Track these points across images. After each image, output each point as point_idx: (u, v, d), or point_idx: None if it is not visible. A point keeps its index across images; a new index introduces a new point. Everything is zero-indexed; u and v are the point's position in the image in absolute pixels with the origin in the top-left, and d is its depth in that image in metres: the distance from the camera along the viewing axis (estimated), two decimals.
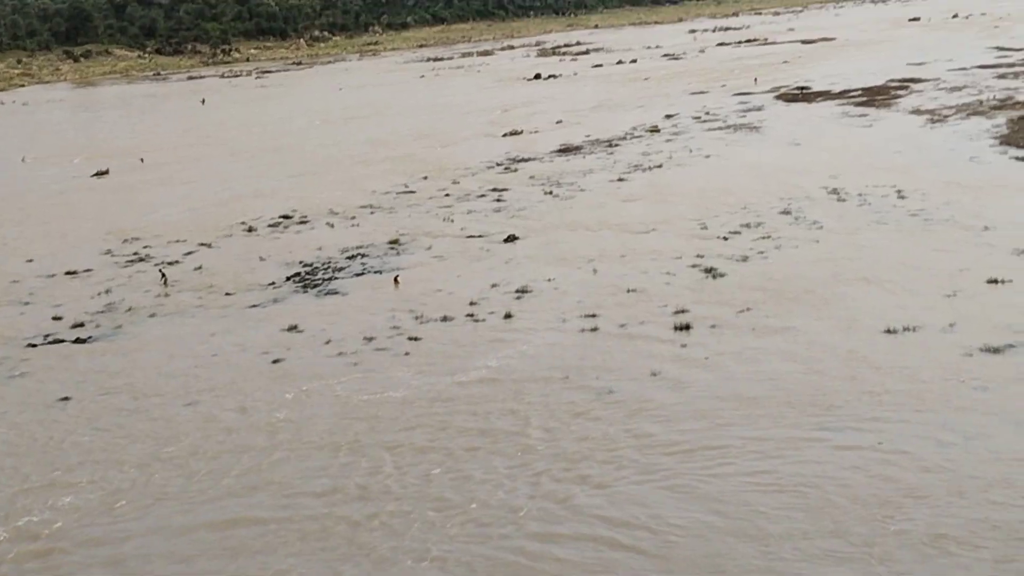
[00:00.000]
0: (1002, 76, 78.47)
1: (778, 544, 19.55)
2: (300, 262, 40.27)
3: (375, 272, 38.34)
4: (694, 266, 35.97)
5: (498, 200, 48.67)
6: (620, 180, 51.17)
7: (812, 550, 19.25)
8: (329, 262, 40.05)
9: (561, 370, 27.97)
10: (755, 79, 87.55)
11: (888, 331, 29.02)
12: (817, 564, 18.83)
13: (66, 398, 28.49)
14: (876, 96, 73.92)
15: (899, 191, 44.23)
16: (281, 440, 24.96)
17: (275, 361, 30.14)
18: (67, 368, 30.82)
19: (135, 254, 43.03)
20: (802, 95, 77.66)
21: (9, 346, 32.88)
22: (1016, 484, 20.79)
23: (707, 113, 71.11)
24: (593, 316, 31.77)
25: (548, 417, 25.24)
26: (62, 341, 33.09)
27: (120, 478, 23.64)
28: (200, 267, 40.29)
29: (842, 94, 75.98)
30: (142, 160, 66.39)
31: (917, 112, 65.14)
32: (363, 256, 40.57)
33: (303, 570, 19.85)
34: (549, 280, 35.59)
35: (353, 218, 46.98)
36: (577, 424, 24.77)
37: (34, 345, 32.81)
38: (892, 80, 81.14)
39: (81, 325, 34.41)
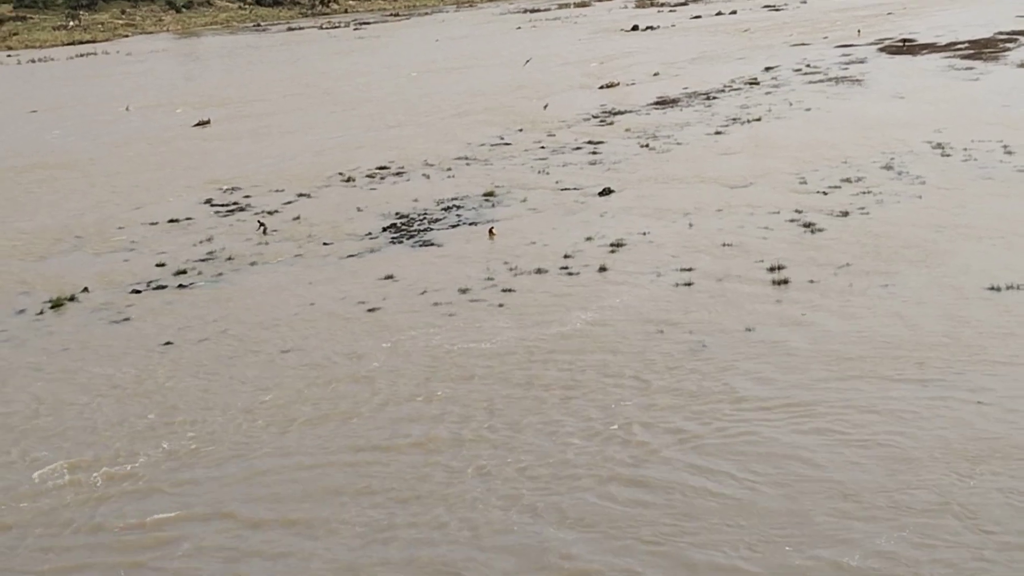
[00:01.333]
0: None
1: (867, 498, 19.38)
2: (396, 213, 40.59)
3: (470, 224, 38.51)
4: (792, 221, 35.55)
5: (593, 153, 48.46)
6: (718, 133, 50.64)
7: (903, 501, 19.06)
8: (425, 213, 40.34)
9: (656, 323, 27.90)
10: (858, 31, 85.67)
11: (992, 288, 28.43)
12: (905, 516, 18.65)
13: (168, 343, 29.11)
14: (983, 49, 71.85)
15: (1005, 146, 43.11)
16: (378, 388, 25.27)
17: (371, 310, 30.51)
18: (170, 314, 31.52)
19: (235, 203, 43.73)
20: (906, 47, 75.79)
21: (115, 291, 33.73)
22: None
23: (808, 65, 69.82)
24: (688, 270, 31.63)
25: (641, 369, 25.19)
26: (165, 287, 33.83)
27: (220, 422, 24.18)
28: (299, 217, 40.80)
29: (948, 47, 74.01)
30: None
31: None
32: (458, 208, 40.78)
33: (397, 511, 20.18)
34: (644, 234, 35.47)
35: (449, 169, 47.16)
36: (670, 377, 24.70)
37: (138, 291, 33.61)
38: (1000, 33, 78.79)
39: (183, 272, 35.14)
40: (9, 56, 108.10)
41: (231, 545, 19.77)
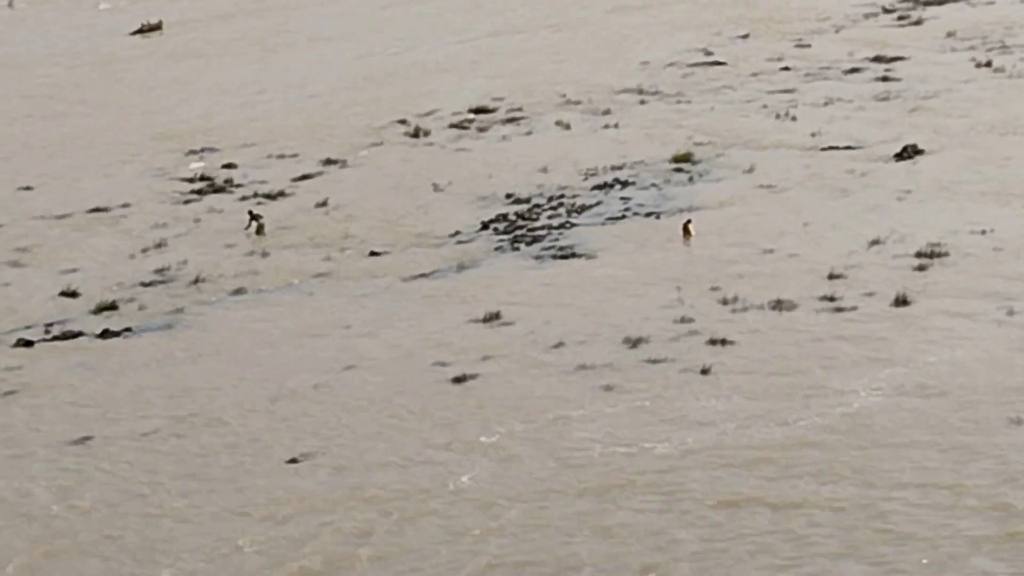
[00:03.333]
0: None
1: None
2: (507, 195, 40.82)
3: (647, 215, 38.67)
4: None
5: (884, 79, 48.37)
6: None
7: None
8: (561, 195, 40.49)
9: (1014, 404, 27.57)
10: None
11: None
12: None
13: (85, 439, 29.32)
14: None
15: None
16: (471, 529, 25.14)
17: (459, 379, 30.54)
18: (86, 385, 31.79)
19: (206, 178, 44.29)
20: None
21: None
22: None
23: None
24: None
25: (981, 512, 24.62)
26: (77, 335, 34.22)
27: None
28: (325, 203, 41.21)
29: None
30: None
31: None
32: (624, 184, 40.89)
33: None
34: (983, 232, 35.28)
35: (607, 112, 47.31)
36: None
37: (29, 343, 34.03)
38: None
39: (112, 308, 35.52)
40: None
41: None
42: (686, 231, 36.74)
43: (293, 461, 27.93)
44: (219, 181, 44.00)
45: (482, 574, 24.17)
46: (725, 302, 32.83)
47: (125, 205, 42.26)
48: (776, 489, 25.62)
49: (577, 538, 24.71)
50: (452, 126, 47.15)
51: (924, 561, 23.31)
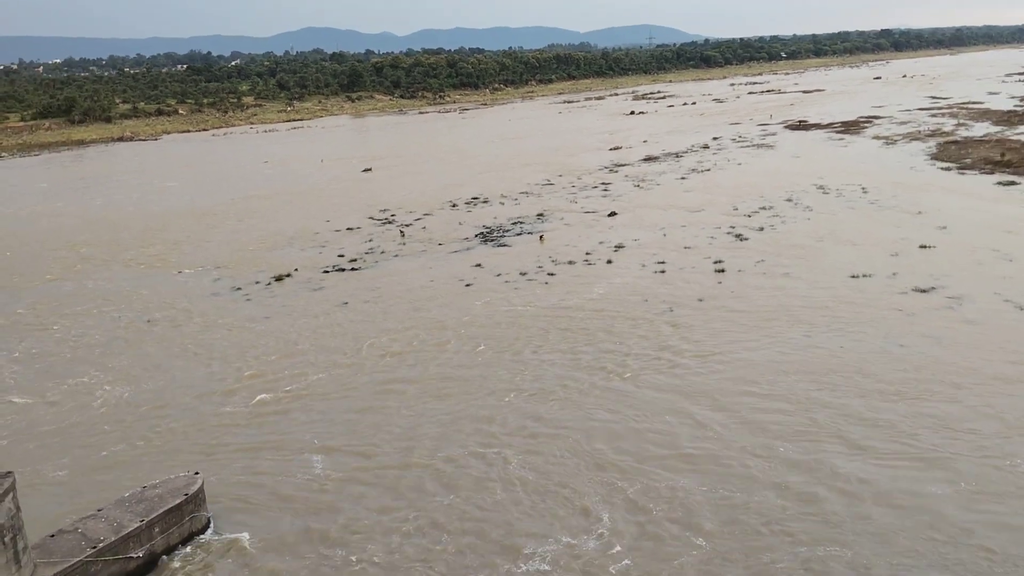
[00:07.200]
0: (934, 115, 74.44)
1: (751, 401, 19.43)
2: (483, 226, 40.46)
3: (528, 233, 38.34)
4: (728, 233, 35.44)
5: (604, 190, 48.05)
6: (682, 179, 50.14)
7: (770, 407, 18.99)
8: (500, 226, 40.15)
9: (642, 295, 28.06)
10: (771, 115, 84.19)
11: (852, 276, 28.20)
12: (772, 415, 18.49)
13: (345, 303, 29.52)
14: (850, 127, 70.46)
15: (863, 188, 42.60)
16: (479, 330, 25.54)
17: (468, 285, 30.71)
18: (345, 285, 31.91)
19: (386, 219, 43.74)
20: (801, 125, 74.49)
21: (312, 271, 34.17)
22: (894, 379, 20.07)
23: (739, 136, 68.76)
24: (662, 263, 31.63)
25: (631, 322, 25.38)
26: (343, 270, 34.15)
27: (372, 354, 24.50)
28: (424, 227, 40.80)
29: (827, 125, 72.68)
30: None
31: (877, 137, 62.09)
32: (521, 223, 40.53)
33: (469, 441, 20.31)
34: (635, 240, 35.38)
35: (516, 200, 46.90)
36: (649, 326, 24.85)
37: (327, 271, 33.96)
38: (861, 117, 77.28)
39: (355, 260, 35.38)
40: (251, 128, 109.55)
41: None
42: (541, 239, 36.70)
43: (416, 310, 27.89)
44: (391, 220, 43.21)
45: (474, 343, 24.32)
46: (555, 261, 32.81)
47: (358, 228, 41.81)
48: (562, 322, 25.94)
49: (511, 327, 24.94)
50: (465, 203, 46.75)
51: (629, 363, 23.39)
